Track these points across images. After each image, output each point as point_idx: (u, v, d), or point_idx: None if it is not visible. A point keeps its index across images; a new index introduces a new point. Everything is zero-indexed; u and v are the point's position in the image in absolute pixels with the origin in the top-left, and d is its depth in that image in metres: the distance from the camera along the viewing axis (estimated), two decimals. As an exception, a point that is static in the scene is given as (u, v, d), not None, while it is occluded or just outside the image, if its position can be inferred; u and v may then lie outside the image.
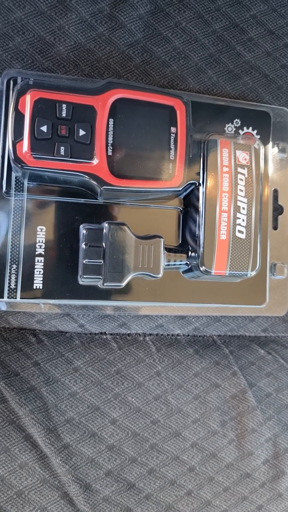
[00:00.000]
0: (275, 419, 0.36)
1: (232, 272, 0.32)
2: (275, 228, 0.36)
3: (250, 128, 0.35)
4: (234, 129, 0.35)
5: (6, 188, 0.31)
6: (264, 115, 0.36)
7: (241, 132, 0.35)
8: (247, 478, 0.36)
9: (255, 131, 0.35)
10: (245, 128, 0.35)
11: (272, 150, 0.36)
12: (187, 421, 0.34)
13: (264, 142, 0.36)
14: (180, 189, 0.31)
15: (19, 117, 0.28)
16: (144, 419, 0.33)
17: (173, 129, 0.31)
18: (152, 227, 0.33)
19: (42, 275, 0.31)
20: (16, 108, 0.28)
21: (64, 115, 0.29)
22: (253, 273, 0.32)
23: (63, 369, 0.33)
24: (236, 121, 0.35)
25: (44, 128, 0.29)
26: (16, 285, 0.30)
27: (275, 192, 0.36)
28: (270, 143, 0.36)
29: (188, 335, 0.36)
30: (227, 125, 0.35)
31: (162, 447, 0.34)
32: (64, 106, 0.29)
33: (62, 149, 0.29)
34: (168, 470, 0.34)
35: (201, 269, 0.31)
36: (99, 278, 0.30)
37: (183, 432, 0.34)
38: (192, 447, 0.34)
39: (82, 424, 0.32)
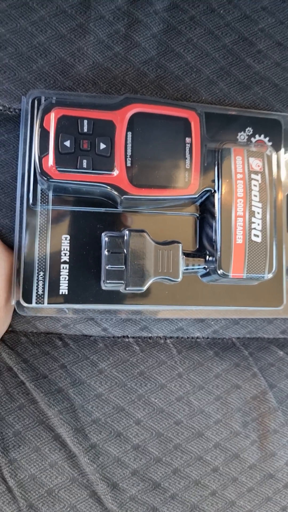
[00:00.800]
0: (297, 420, 0.37)
1: (249, 275, 0.33)
2: (290, 231, 0.37)
3: (262, 135, 0.37)
4: (246, 137, 0.36)
5: (32, 200, 0.33)
6: (275, 122, 0.37)
7: (253, 140, 0.36)
8: (270, 479, 0.36)
9: (267, 139, 0.37)
10: (257, 136, 0.36)
11: (285, 156, 0.37)
12: (210, 421, 0.35)
13: (276, 148, 0.37)
14: (196, 196, 0.33)
15: (44, 133, 0.30)
16: (167, 419, 0.34)
17: (188, 140, 0.32)
18: (169, 233, 0.34)
19: (67, 281, 0.33)
20: (41, 126, 0.31)
21: (85, 130, 0.31)
22: (270, 275, 0.33)
23: (88, 371, 0.34)
24: (248, 130, 0.36)
25: (67, 143, 0.31)
26: (43, 291, 0.32)
27: (289, 196, 0.37)
28: (282, 149, 0.37)
29: (208, 338, 0.37)
30: (239, 134, 0.36)
31: (186, 447, 0.34)
32: (85, 122, 0.31)
33: (84, 162, 0.31)
34: (192, 470, 0.34)
35: (219, 272, 0.32)
36: (122, 283, 0.32)
37: (206, 433, 0.35)
38: (215, 447, 0.35)
39: (108, 425, 0.33)
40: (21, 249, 0.32)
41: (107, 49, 0.35)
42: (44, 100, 0.33)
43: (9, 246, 0.34)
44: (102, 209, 0.34)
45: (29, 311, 0.33)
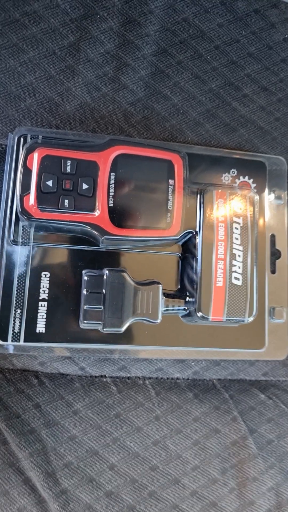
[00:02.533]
0: (277, 468, 0.36)
1: (229, 318, 0.32)
2: (273, 272, 0.37)
3: (246, 177, 0.37)
4: (230, 178, 0.37)
5: (13, 236, 0.33)
6: (260, 164, 0.38)
7: (237, 181, 0.37)
8: (249, 530, 0.35)
9: (251, 180, 0.37)
10: (241, 177, 0.37)
11: (269, 197, 0.38)
12: (187, 468, 0.34)
13: (261, 189, 0.37)
14: (177, 237, 0.33)
15: (27, 172, 0.31)
16: (142, 465, 0.33)
17: (171, 181, 0.33)
18: (152, 273, 0.34)
19: (45, 319, 0.32)
20: (24, 164, 0.31)
21: (68, 170, 0.31)
22: (250, 319, 0.33)
23: (63, 412, 0.33)
24: (232, 171, 0.37)
25: (50, 183, 0.31)
26: (20, 329, 0.32)
27: (273, 237, 0.38)
28: (266, 191, 0.37)
29: (188, 379, 0.37)
30: (224, 175, 0.37)
31: (161, 495, 0.33)
32: (69, 162, 0.31)
33: (66, 201, 0.31)
34: (167, 520, 0.33)
35: (198, 315, 0.32)
36: (99, 323, 0.31)
37: (183, 480, 0.34)
38: (192, 495, 0.34)
39: (80, 469, 0.32)
40: (-1, 285, 0.32)
41: (95, 90, 0.36)
42: (31, 139, 0.33)
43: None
44: (85, 247, 0.34)
45: (9, 348, 0.33)
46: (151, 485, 0.33)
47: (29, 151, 0.31)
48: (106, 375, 0.35)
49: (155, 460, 0.34)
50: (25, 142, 0.33)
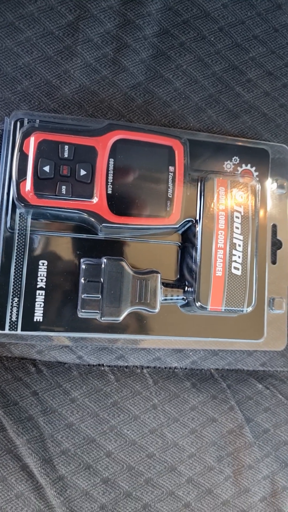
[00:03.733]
0: (273, 456, 0.36)
1: (228, 308, 0.32)
2: (273, 262, 0.37)
3: (249, 165, 0.36)
4: (232, 166, 0.36)
5: (10, 224, 0.32)
6: (263, 152, 0.37)
7: (239, 169, 0.36)
8: (243, 516, 0.35)
9: (254, 168, 0.36)
10: (243, 165, 0.36)
11: (271, 186, 0.37)
12: (183, 455, 0.34)
13: (263, 178, 0.36)
14: (177, 226, 0.32)
15: (23, 157, 0.30)
16: (139, 452, 0.34)
17: (171, 168, 0.32)
18: (152, 261, 0.34)
19: (42, 308, 0.32)
20: (21, 149, 0.30)
21: (66, 155, 0.30)
22: (249, 309, 0.33)
23: (60, 400, 0.33)
24: (234, 159, 0.36)
25: (47, 168, 0.30)
26: (17, 317, 0.31)
27: (274, 227, 0.37)
28: (269, 179, 0.37)
29: (186, 368, 0.36)
30: (226, 163, 0.36)
31: (157, 482, 0.34)
32: (66, 147, 0.30)
33: (63, 188, 0.30)
34: (163, 506, 0.34)
35: (197, 304, 0.32)
36: (97, 312, 0.31)
37: (179, 467, 0.34)
38: (188, 482, 0.34)
39: (77, 456, 0.32)
40: (-5, 273, 0.31)
41: (94, 73, 0.35)
42: (28, 122, 0.32)
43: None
44: (83, 235, 0.33)
45: (2, 338, 0.32)
46: (148, 472, 0.33)
47: (26, 136, 0.30)
48: (104, 364, 0.35)
49: (152, 447, 0.34)
50: (22, 126, 0.32)
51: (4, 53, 0.33)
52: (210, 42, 0.37)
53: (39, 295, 0.32)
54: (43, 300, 0.32)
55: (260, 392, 0.37)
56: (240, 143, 0.36)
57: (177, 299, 0.33)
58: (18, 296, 0.32)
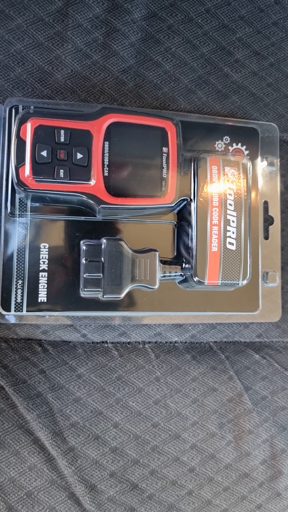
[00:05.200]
0: (271, 421, 0.38)
1: (224, 282, 0.34)
2: (266, 238, 0.38)
3: (239, 144, 0.37)
4: (223, 146, 0.37)
5: (10, 209, 0.33)
6: (253, 131, 0.38)
7: (230, 148, 0.37)
8: (245, 478, 0.37)
9: (244, 147, 0.37)
10: (234, 144, 0.37)
11: (262, 164, 0.38)
12: (186, 424, 0.36)
13: (253, 156, 0.37)
14: (173, 205, 0.33)
15: (21, 143, 0.31)
16: (145, 422, 0.35)
17: (164, 149, 0.33)
18: (149, 241, 0.35)
19: (46, 289, 0.33)
20: (18, 135, 0.31)
21: (62, 140, 0.31)
22: (244, 282, 0.34)
23: (67, 376, 0.35)
24: (225, 138, 0.37)
25: (44, 153, 0.31)
26: (22, 299, 0.33)
27: (265, 203, 0.38)
28: (259, 158, 0.38)
29: (186, 342, 0.38)
30: (217, 142, 0.37)
31: (163, 449, 0.35)
32: (62, 131, 0.31)
33: (61, 172, 0.31)
34: (169, 471, 0.35)
35: (195, 280, 0.33)
36: (99, 290, 0.32)
37: (183, 435, 0.36)
38: (191, 448, 0.36)
39: (86, 428, 0.34)
40: (-1, 257, 0.32)
41: (85, 58, 0.36)
42: (22, 109, 0.33)
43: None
44: (81, 218, 0.34)
45: (10, 318, 0.34)
46: (153, 440, 0.35)
47: (22, 122, 0.31)
48: (107, 341, 0.36)
49: (157, 417, 0.36)
50: (16, 113, 0.33)
51: (-4, 41, 0.34)
52: (198, 24, 0.38)
53: (42, 277, 0.33)
54: (46, 282, 0.33)
55: (257, 362, 0.39)
56: (230, 123, 0.37)
57: (175, 275, 0.35)
58: (22, 278, 0.33)
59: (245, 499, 0.37)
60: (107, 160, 0.32)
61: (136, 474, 0.35)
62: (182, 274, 0.34)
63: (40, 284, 0.33)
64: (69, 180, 0.31)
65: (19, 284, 0.33)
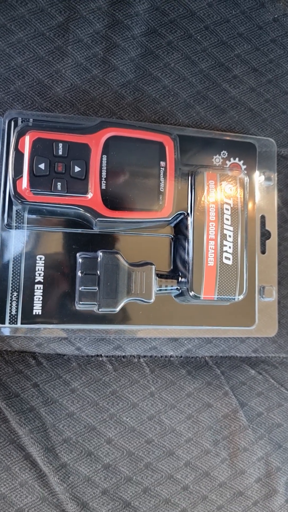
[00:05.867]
0: (267, 438, 0.38)
1: (220, 296, 0.33)
2: (263, 252, 0.38)
3: (237, 159, 0.37)
4: (221, 160, 0.37)
5: (7, 221, 0.33)
6: (250, 146, 0.38)
7: (228, 163, 0.37)
8: (240, 496, 0.36)
9: (242, 162, 0.38)
10: (232, 159, 0.37)
11: (259, 179, 0.38)
12: (181, 440, 0.36)
13: (251, 171, 0.38)
14: (169, 219, 0.33)
15: (19, 156, 0.31)
16: (138, 438, 0.35)
17: (162, 163, 0.33)
18: (145, 254, 0.35)
19: (41, 302, 0.33)
20: (16, 148, 0.31)
21: (60, 153, 0.31)
22: (241, 297, 0.34)
23: (60, 390, 0.34)
24: (223, 153, 0.37)
25: (42, 166, 0.31)
26: (17, 311, 0.32)
27: (263, 218, 0.38)
28: (257, 172, 0.38)
29: (181, 357, 0.38)
30: (214, 157, 0.37)
31: (157, 466, 0.35)
32: (60, 145, 0.31)
33: (59, 184, 0.31)
34: (162, 489, 0.35)
35: (191, 294, 0.33)
36: (95, 304, 0.32)
37: (177, 451, 0.35)
38: (185, 466, 0.36)
39: (79, 444, 0.33)
40: (-6, 269, 0.32)
41: (85, 72, 0.36)
42: (21, 121, 0.33)
43: (-16, 265, 0.34)
44: (78, 230, 0.34)
45: (4, 331, 0.33)
46: (147, 457, 0.35)
47: (21, 134, 0.31)
48: (102, 354, 0.36)
49: (151, 433, 0.35)
50: (16, 125, 0.33)
51: (-3, 54, 0.34)
52: (197, 41, 0.38)
53: (37, 289, 0.33)
54: (41, 294, 0.33)
55: (253, 378, 0.38)
56: (228, 138, 0.38)
57: (171, 289, 0.34)
58: (17, 290, 0.33)
59: (239, 518, 0.36)
60: (105, 174, 0.32)
61: (129, 491, 0.34)
62: (178, 288, 0.34)
63: (35, 297, 0.33)
64: (66, 193, 0.31)
65: (14, 296, 0.32)
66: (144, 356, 0.37)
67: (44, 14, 0.35)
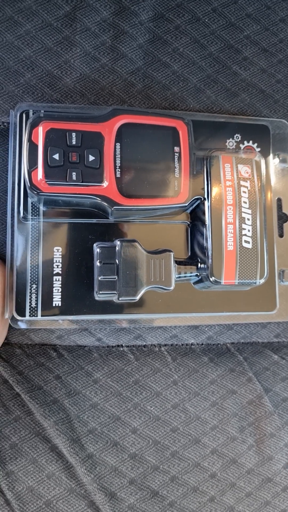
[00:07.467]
0: (293, 423, 0.37)
1: (241, 281, 0.33)
2: (281, 235, 0.38)
3: (251, 141, 0.37)
4: (235, 144, 0.37)
5: (23, 213, 0.33)
6: (263, 128, 0.37)
7: (242, 146, 0.37)
8: (268, 483, 0.36)
9: (256, 144, 0.37)
10: (245, 142, 0.37)
11: (274, 161, 0.38)
12: (206, 428, 0.35)
13: (265, 154, 0.37)
14: (186, 204, 0.33)
15: (33, 147, 0.31)
16: (163, 427, 0.34)
17: (176, 149, 0.33)
18: (161, 242, 0.35)
19: (60, 293, 0.33)
20: (29, 139, 0.31)
21: (74, 142, 0.31)
22: (262, 280, 0.33)
23: (83, 382, 0.34)
24: (236, 136, 0.37)
25: (56, 156, 0.31)
26: (36, 303, 0.32)
27: (279, 201, 0.38)
28: (271, 155, 0.37)
29: (202, 344, 0.37)
30: (228, 141, 0.37)
31: (183, 454, 0.35)
32: (73, 134, 0.31)
33: (74, 174, 0.31)
34: (190, 477, 0.35)
35: (211, 279, 0.33)
36: (114, 293, 0.32)
37: (203, 439, 0.35)
38: (212, 453, 0.35)
39: (104, 434, 0.33)
40: (13, 262, 0.32)
41: (94, 61, 0.36)
42: (33, 113, 0.33)
43: (1, 259, 0.34)
44: (94, 220, 0.34)
45: (21, 325, 0.33)
46: (173, 446, 0.34)
47: (33, 126, 0.31)
48: (123, 345, 0.36)
49: (175, 422, 0.35)
50: (27, 118, 0.33)
51: (5, 47, 0.34)
52: (205, 24, 0.38)
53: (56, 280, 0.33)
54: (60, 285, 0.33)
55: (276, 363, 0.38)
56: (240, 121, 0.37)
57: (191, 275, 0.34)
58: (36, 283, 0.32)
59: (268, 504, 0.36)
60: (119, 162, 0.32)
61: (157, 481, 0.34)
62: (198, 274, 0.34)
63: (54, 288, 0.33)
64: (82, 182, 0.31)
65: (33, 289, 0.32)
66: (165, 345, 0.37)
67: (51, 4, 0.35)
